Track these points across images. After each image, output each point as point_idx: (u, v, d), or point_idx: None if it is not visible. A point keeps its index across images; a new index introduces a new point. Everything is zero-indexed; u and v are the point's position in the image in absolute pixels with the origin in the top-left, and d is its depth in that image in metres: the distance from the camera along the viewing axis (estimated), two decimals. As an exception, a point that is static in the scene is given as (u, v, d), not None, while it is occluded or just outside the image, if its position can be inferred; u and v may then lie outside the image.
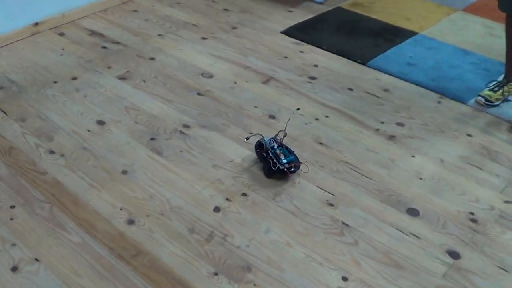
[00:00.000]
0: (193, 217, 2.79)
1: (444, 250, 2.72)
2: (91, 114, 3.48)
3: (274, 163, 2.98)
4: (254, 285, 2.50)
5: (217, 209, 2.84)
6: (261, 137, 3.10)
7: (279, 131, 3.13)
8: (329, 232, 2.77)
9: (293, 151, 3.10)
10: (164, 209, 2.82)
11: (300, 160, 3.08)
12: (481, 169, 3.24)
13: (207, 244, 2.67)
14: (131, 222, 2.76)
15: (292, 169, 3.01)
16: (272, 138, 3.08)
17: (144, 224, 2.74)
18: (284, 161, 2.99)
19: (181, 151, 3.19)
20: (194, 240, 2.68)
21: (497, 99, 3.76)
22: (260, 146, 3.09)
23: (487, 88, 3.81)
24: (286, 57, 4.20)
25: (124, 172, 3.03)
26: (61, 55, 4.13)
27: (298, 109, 3.09)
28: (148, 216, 2.79)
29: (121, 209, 2.81)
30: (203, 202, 2.88)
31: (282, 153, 3.01)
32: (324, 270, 2.59)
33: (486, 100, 3.75)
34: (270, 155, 3.01)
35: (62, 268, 2.54)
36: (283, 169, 2.98)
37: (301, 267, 2.60)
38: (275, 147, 3.03)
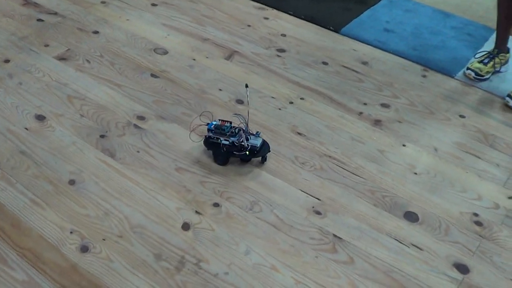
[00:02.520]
0: (158, 239, 2.35)
1: (451, 263, 2.39)
2: (28, 107, 2.97)
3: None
4: (239, 327, 2.09)
5: (186, 226, 2.41)
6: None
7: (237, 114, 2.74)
8: (319, 249, 2.38)
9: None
10: (123, 230, 2.37)
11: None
12: (480, 158, 2.93)
13: (178, 273, 2.24)
14: (84, 249, 2.30)
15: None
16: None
17: (101, 252, 2.29)
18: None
19: (138, 151, 2.74)
20: (162, 269, 2.25)
21: (488, 72, 3.45)
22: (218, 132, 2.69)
23: (476, 60, 3.49)
24: (249, 26, 3.75)
25: (72, 182, 2.56)
26: (-10, 30, 3.56)
27: (246, 86, 2.66)
28: (104, 240, 2.34)
29: (71, 233, 2.35)
30: (169, 218, 2.44)
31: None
32: (319, 300, 2.19)
33: (477, 74, 3.44)
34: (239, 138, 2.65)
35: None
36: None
37: (292, 298, 2.19)
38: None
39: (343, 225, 2.49)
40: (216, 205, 2.52)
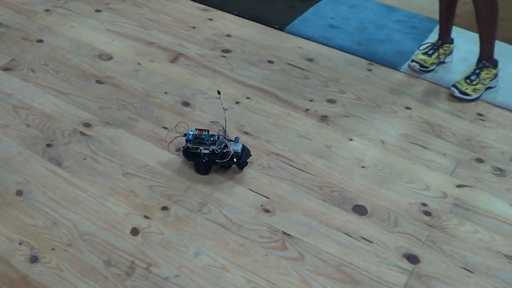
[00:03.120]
0: (108, 245, 2.34)
1: (401, 254, 2.41)
2: (-27, 119, 2.93)
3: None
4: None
5: (135, 232, 2.39)
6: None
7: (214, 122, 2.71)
8: (269, 247, 2.38)
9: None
10: (72, 238, 2.35)
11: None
12: (427, 148, 2.95)
13: (129, 279, 2.23)
14: (34, 259, 2.28)
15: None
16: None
17: (50, 261, 2.27)
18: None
19: (84, 158, 2.71)
20: (113, 276, 2.24)
21: (433, 64, 3.47)
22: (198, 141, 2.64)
23: (421, 52, 3.51)
24: (194, 28, 3.73)
25: (19, 193, 2.53)
26: None
27: (219, 92, 2.61)
28: (53, 249, 2.31)
29: (20, 243, 2.32)
30: (117, 224, 2.42)
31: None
32: (271, 298, 2.19)
33: (421, 66, 3.46)
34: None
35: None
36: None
37: (243, 298, 2.19)
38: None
39: (292, 222, 2.49)
40: (164, 208, 2.50)
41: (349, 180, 2.71)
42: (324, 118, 3.06)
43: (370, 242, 2.44)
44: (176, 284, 2.21)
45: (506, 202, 2.70)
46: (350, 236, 2.46)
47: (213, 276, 2.25)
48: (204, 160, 2.62)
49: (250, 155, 2.68)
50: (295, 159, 2.79)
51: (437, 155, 2.91)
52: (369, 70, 3.47)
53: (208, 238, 2.40)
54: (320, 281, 2.27)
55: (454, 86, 3.31)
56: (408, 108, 3.19)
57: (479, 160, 2.90)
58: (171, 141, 2.80)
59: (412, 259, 2.40)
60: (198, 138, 2.61)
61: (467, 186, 2.75)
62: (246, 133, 2.92)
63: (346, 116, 3.09)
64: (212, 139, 2.61)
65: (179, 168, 2.71)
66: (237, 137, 2.66)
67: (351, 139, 2.95)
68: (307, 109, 3.11)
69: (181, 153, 2.70)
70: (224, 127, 2.64)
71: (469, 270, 2.38)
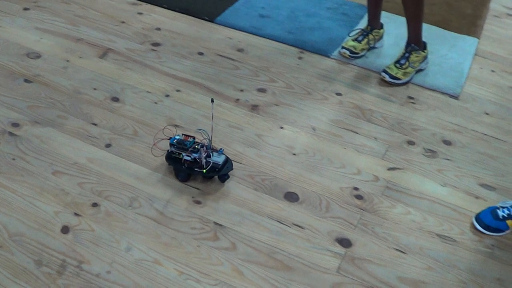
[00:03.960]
0: (38, 245, 2.31)
1: (333, 238, 2.43)
2: None
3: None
4: (122, 325, 2.07)
5: (65, 230, 2.37)
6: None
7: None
8: (201, 238, 2.39)
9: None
10: (1, 240, 2.32)
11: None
12: (357, 133, 2.98)
13: (60, 277, 2.20)
14: (-38, 262, 2.24)
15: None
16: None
17: (-21, 264, 2.23)
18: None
19: (13, 159, 2.67)
20: (44, 275, 2.21)
21: (363, 49, 3.49)
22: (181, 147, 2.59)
23: (351, 38, 3.53)
24: (123, 22, 3.70)
25: None
26: None
27: (212, 100, 2.55)
28: (-18, 252, 2.27)
29: None
30: (47, 223, 2.40)
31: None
32: (203, 288, 2.19)
33: (351, 52, 3.47)
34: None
35: None
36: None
37: (176, 290, 2.18)
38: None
39: (223, 212, 2.50)
40: (95, 205, 2.48)
41: (280, 168, 2.72)
42: (254, 107, 3.06)
43: (302, 228, 2.46)
44: (108, 280, 2.20)
45: (437, 182, 2.73)
46: (282, 223, 2.47)
47: (145, 270, 2.24)
48: (183, 167, 2.58)
49: (232, 169, 2.62)
50: (226, 150, 2.78)
51: (368, 139, 2.93)
52: (300, 58, 3.48)
53: (139, 232, 2.38)
54: (253, 269, 2.28)
55: (384, 71, 3.33)
56: (338, 94, 3.21)
57: (410, 143, 2.94)
58: (154, 144, 2.78)
59: (345, 243, 2.42)
60: (182, 144, 2.56)
61: (398, 168, 2.78)
62: (176, 125, 2.91)
63: (277, 105, 3.09)
64: (195, 146, 2.57)
65: (109, 164, 2.69)
66: (221, 149, 2.61)
67: (282, 127, 2.95)
68: (238, 99, 3.11)
69: (164, 157, 2.66)
70: (210, 137, 2.60)
71: (402, 251, 2.41)
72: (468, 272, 2.37)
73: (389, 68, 3.33)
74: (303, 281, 2.26)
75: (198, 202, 2.52)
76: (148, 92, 3.11)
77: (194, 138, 2.59)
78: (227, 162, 2.60)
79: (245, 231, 2.43)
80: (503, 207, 2.55)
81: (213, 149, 2.60)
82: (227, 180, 2.62)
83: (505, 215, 2.52)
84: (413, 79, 3.37)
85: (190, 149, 2.55)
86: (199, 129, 2.66)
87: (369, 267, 2.34)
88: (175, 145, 2.57)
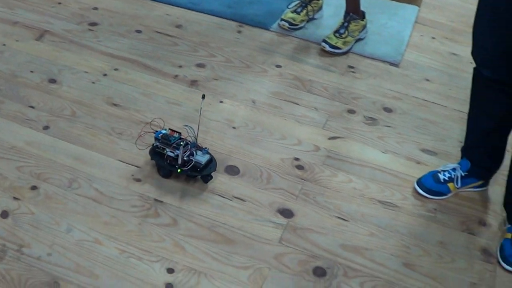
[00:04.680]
0: (-24, 232, 2.26)
1: (274, 210, 2.43)
2: None
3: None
4: (65, 304, 2.04)
5: (5, 214, 2.33)
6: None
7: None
8: (141, 216, 2.36)
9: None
10: None
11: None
12: (298, 104, 2.97)
13: (0, 262, 2.16)
14: None
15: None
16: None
17: None
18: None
19: (-50, 144, 2.61)
20: (-17, 261, 2.16)
21: (302, 21, 3.49)
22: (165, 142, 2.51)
23: (290, 10, 3.53)
24: (60, 3, 3.63)
25: None
26: None
27: (203, 97, 2.48)
28: None
29: None
30: (-15, 209, 2.35)
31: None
32: (145, 266, 2.18)
33: (290, 24, 3.46)
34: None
35: None
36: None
37: (118, 268, 2.17)
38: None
39: (163, 188, 2.48)
40: (34, 188, 2.44)
41: (220, 142, 2.71)
42: (193, 83, 3.04)
43: (243, 200, 2.45)
44: (49, 263, 2.16)
45: (378, 149, 2.75)
46: (223, 197, 2.46)
47: (86, 251, 2.21)
48: (165, 163, 2.50)
49: (215, 170, 2.53)
50: (165, 127, 2.75)
51: (309, 109, 2.93)
52: (239, 32, 3.46)
53: (79, 213, 2.35)
54: (194, 244, 2.26)
55: (324, 41, 3.33)
56: (278, 66, 3.20)
57: (351, 111, 2.94)
58: (139, 136, 2.71)
59: (286, 213, 2.42)
60: (166, 139, 2.48)
61: (339, 137, 2.79)
62: (114, 104, 2.87)
63: (216, 79, 3.07)
64: (179, 143, 2.48)
65: (47, 147, 2.64)
66: (206, 148, 2.54)
67: (221, 101, 2.94)
68: (176, 75, 3.09)
69: (148, 151, 2.58)
70: (196, 135, 2.53)
71: (344, 219, 2.42)
72: (411, 237, 2.38)
73: (328, 38, 3.32)
74: (246, 253, 2.25)
75: (138, 180, 2.50)
76: (85, 72, 3.06)
77: (180, 134, 2.52)
78: (211, 162, 2.52)
79: (185, 206, 2.41)
80: (444, 171, 2.56)
81: (198, 147, 2.53)
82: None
83: (446, 178, 2.54)
84: (353, 49, 3.37)
85: (173, 145, 2.47)
86: (186, 125, 2.60)
87: (311, 236, 2.33)
88: (159, 139, 2.50)
